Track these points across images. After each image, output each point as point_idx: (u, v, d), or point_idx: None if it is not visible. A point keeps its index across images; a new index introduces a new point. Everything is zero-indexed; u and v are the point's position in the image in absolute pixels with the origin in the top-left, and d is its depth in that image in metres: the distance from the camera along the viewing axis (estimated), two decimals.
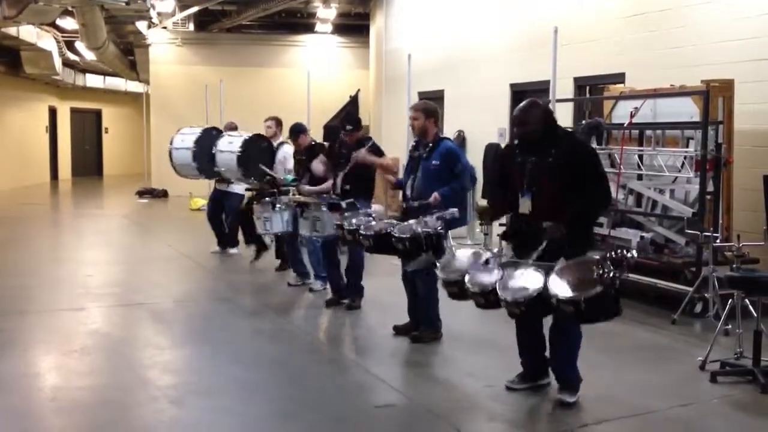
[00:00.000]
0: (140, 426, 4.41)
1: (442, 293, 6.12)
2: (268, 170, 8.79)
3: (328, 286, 7.66)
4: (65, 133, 25.75)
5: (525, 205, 4.64)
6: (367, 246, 5.85)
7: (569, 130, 4.91)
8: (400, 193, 6.37)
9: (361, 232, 5.79)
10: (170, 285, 8.59)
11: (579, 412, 4.54)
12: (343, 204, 6.59)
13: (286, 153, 8.84)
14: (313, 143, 8.25)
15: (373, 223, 5.91)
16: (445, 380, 5.32)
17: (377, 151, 6.96)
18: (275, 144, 9.09)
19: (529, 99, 4.87)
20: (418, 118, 6.03)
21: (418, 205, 5.85)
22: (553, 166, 4.55)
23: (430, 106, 6.16)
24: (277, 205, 7.97)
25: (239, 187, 9.86)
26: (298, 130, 8.27)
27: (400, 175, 6.81)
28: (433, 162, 5.93)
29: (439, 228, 5.40)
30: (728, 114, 7.21)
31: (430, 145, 6.01)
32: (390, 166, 7.00)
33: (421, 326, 6.13)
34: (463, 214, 6.06)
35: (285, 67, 19.41)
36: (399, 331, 6.22)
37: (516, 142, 4.84)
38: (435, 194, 5.75)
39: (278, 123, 9.14)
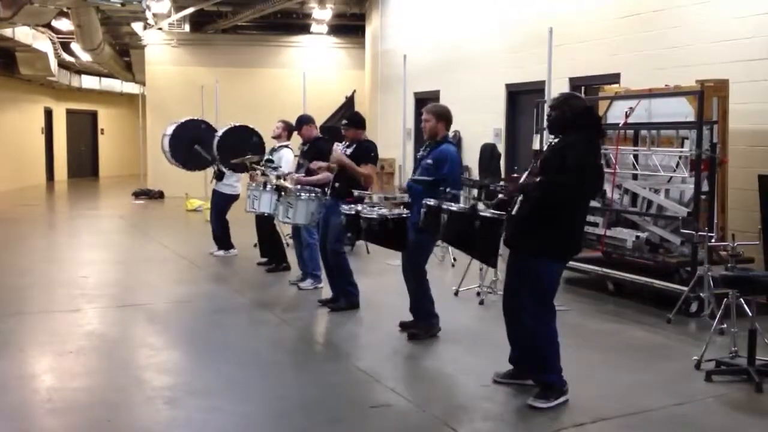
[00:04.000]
0: (135, 427, 4.40)
1: (435, 291, 6.19)
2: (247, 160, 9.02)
3: (318, 285, 7.88)
4: (61, 134, 25.70)
5: None
6: (345, 223, 6.32)
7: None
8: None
9: (344, 211, 6.28)
10: (166, 286, 8.58)
11: (575, 410, 4.55)
12: (356, 193, 6.69)
13: (283, 155, 8.84)
14: (318, 137, 8.21)
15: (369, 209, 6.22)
16: (442, 379, 5.33)
17: (365, 155, 6.94)
18: (277, 145, 9.09)
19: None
20: (429, 120, 6.08)
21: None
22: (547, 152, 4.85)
23: (440, 109, 6.19)
24: (269, 186, 8.12)
25: (228, 187, 9.92)
26: (301, 121, 8.28)
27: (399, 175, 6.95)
28: (428, 161, 6.00)
29: (403, 214, 5.93)
30: (723, 114, 7.23)
31: (433, 145, 6.06)
32: (362, 174, 6.92)
33: (419, 323, 6.15)
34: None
35: (281, 67, 19.41)
36: (405, 327, 6.25)
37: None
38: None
39: (286, 127, 9.05)
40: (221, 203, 10.03)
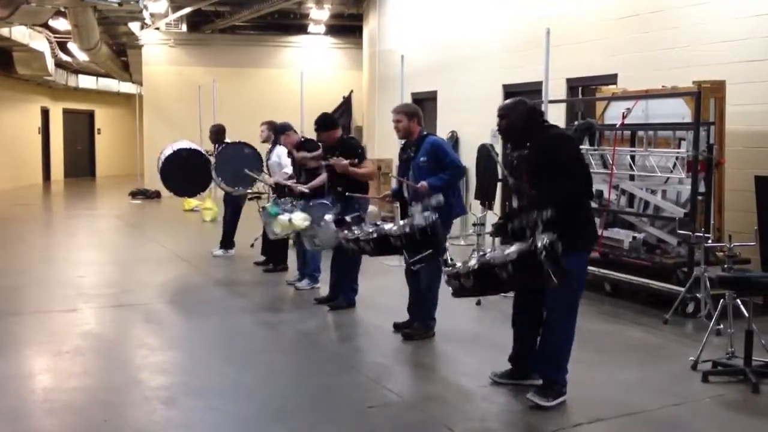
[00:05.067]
0: (132, 427, 4.40)
1: (442, 294, 6.19)
2: (254, 175, 8.91)
3: (315, 285, 7.86)
4: (58, 134, 25.67)
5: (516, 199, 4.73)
6: (369, 250, 5.72)
7: (553, 125, 4.95)
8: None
9: (362, 239, 5.66)
10: (163, 286, 8.57)
11: (572, 411, 4.55)
12: (348, 218, 6.14)
13: (280, 153, 8.81)
14: (303, 139, 8.22)
15: (371, 228, 5.72)
16: (439, 380, 5.33)
17: (353, 151, 6.86)
18: (269, 147, 9.07)
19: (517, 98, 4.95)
20: (401, 120, 6.02)
21: (411, 196, 5.86)
22: (528, 158, 4.60)
23: (410, 107, 6.18)
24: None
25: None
26: (280, 130, 8.28)
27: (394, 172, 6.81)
28: (421, 159, 5.93)
29: (430, 219, 5.27)
30: (720, 115, 7.24)
31: (415, 143, 6.02)
32: (366, 174, 6.87)
33: (415, 323, 6.14)
34: (460, 202, 6.20)
35: (278, 67, 19.42)
36: (398, 327, 6.24)
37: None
38: (423, 183, 5.75)
39: (271, 126, 9.05)
40: (238, 202, 10.01)
